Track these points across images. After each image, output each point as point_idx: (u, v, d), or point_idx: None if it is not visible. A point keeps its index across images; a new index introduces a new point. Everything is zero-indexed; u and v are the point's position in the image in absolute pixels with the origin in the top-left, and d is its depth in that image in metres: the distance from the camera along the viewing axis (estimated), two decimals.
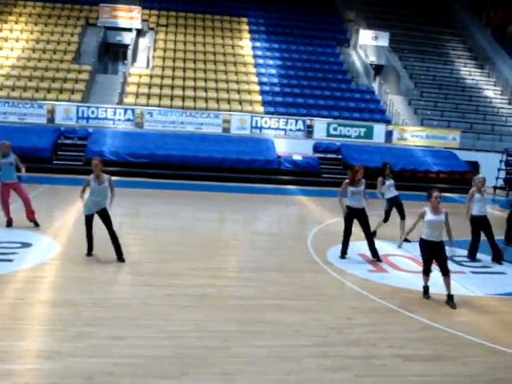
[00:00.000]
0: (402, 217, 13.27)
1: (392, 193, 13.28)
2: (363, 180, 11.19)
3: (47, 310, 7.50)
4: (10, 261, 9.57)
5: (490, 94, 35.03)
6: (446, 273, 8.62)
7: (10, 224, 12.23)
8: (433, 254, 8.76)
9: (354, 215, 11.09)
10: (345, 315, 7.80)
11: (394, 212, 13.34)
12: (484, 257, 11.68)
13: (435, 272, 9.11)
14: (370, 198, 11.40)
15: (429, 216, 8.71)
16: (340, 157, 26.12)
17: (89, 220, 10.06)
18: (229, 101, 28.85)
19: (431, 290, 8.87)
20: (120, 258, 9.94)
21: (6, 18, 32.41)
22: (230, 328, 7.07)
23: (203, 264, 10.11)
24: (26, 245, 10.69)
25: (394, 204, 13.32)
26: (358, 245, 11.56)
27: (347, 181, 11.14)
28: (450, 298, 8.53)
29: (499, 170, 25.67)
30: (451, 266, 10.84)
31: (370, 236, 11.19)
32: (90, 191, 10.05)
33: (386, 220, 13.29)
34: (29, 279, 8.73)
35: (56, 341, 6.44)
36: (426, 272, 8.82)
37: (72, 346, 6.28)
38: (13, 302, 7.72)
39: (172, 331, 6.85)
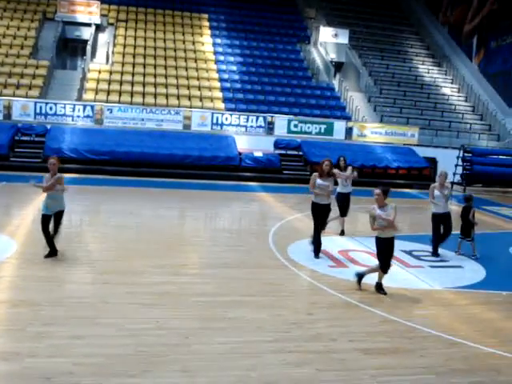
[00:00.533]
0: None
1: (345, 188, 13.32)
2: (332, 176, 10.98)
3: (4, 310, 7.35)
4: None
5: (447, 91, 35.68)
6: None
7: None
8: (387, 249, 8.78)
9: (320, 210, 10.92)
10: (305, 310, 7.87)
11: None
12: (442, 251, 11.89)
13: (394, 267, 9.22)
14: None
15: (377, 212, 8.66)
16: (301, 153, 26.27)
17: (46, 220, 9.74)
18: (189, 97, 28.72)
19: (392, 285, 9.00)
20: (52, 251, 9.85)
21: None
22: (191, 325, 7.05)
23: (164, 261, 10.06)
24: None
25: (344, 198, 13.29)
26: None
27: (316, 174, 10.86)
28: (379, 286, 8.89)
29: (456, 165, 26.20)
30: (410, 260, 11.07)
31: (320, 230, 11.12)
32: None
33: (342, 214, 13.32)
34: None
35: (14, 341, 6.33)
36: (386, 269, 8.83)
37: (31, 347, 6.18)
38: None
39: (133, 329, 6.80)
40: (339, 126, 28.10)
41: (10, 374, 5.59)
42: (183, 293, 8.32)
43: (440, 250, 11.81)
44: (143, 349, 6.27)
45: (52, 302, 7.58)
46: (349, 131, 28.30)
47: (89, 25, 32.70)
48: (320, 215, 10.92)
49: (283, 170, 25.15)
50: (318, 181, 10.77)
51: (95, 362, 5.89)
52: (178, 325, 7.04)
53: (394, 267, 10.34)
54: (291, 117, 27.83)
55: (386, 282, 9.00)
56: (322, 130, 27.69)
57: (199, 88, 29.60)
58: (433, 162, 27.48)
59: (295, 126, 27.37)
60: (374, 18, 39.70)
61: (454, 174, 25.83)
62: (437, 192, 11.66)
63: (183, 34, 34.06)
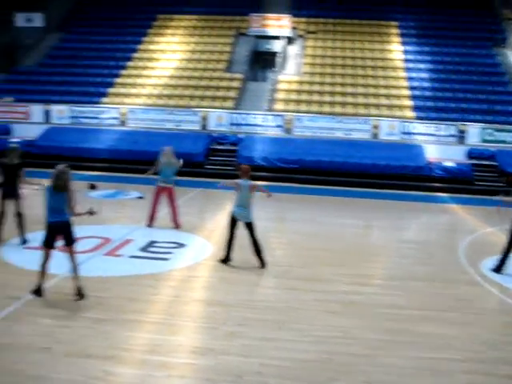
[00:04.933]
0: None
1: None
2: None
3: (200, 308, 7.86)
4: (166, 260, 10.17)
5: None
6: None
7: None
8: None
9: None
10: (499, 331, 7.40)
11: None
12: None
13: None
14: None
15: None
16: (495, 164, 24.77)
17: (234, 222, 10.12)
18: (378, 106, 28.44)
19: None
20: (261, 263, 9.99)
21: (164, 31, 34.35)
22: (377, 336, 6.97)
23: (349, 270, 10.05)
24: (180, 245, 11.27)
25: None
26: None
27: None
28: None
29: None
30: None
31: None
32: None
33: None
34: (183, 278, 9.21)
35: (209, 338, 6.73)
36: None
37: (224, 344, 6.53)
38: (169, 299, 8.19)
39: (319, 336, 6.88)
40: None
41: (205, 368, 5.97)
42: (370, 303, 8.25)
43: None
44: (329, 356, 6.32)
45: (243, 304, 7.93)
46: None
47: (279, 38, 33.78)
48: None
49: (475, 180, 23.90)
50: None
51: (282, 365, 6.06)
52: (363, 335, 6.99)
53: None
54: (485, 125, 26.38)
55: None
56: None
57: (388, 97, 29.20)
58: None
59: (489, 134, 25.89)
60: None
61: None
62: None
63: (371, 43, 33.84)
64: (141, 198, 16.60)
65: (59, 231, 7.91)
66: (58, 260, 9.02)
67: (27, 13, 34.14)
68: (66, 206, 7.86)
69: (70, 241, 7.94)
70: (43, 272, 7.89)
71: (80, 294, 7.83)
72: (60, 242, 8.03)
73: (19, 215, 10.76)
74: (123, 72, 30.48)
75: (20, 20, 34.09)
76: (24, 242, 10.72)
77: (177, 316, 7.47)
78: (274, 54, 33.30)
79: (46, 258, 7.89)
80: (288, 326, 7.21)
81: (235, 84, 29.75)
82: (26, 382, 5.58)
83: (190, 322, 7.31)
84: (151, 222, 12.80)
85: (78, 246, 8.27)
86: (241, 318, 7.40)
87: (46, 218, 7.99)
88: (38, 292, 7.90)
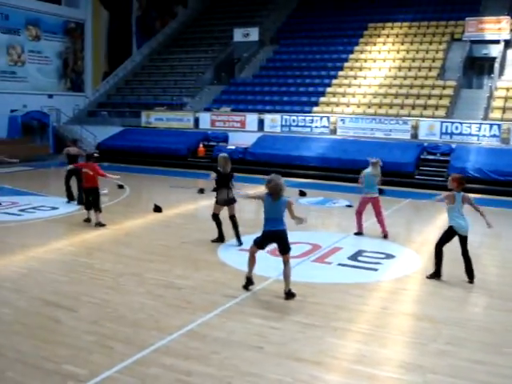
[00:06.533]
0: None
1: None
2: None
3: (409, 322, 7.73)
4: (375, 270, 10.15)
5: None
6: None
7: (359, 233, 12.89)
8: None
9: None
10: None
11: None
12: None
13: None
14: None
15: None
16: None
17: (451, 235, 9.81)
18: None
19: None
20: (470, 278, 9.53)
21: (375, 40, 34.23)
22: None
23: None
24: (389, 256, 11.15)
25: None
26: None
27: None
28: None
29: None
30: None
31: None
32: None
33: None
34: (392, 290, 9.13)
35: (417, 354, 6.60)
36: None
37: (432, 362, 6.36)
38: (376, 310, 8.18)
39: None
40: None
41: None
42: None
43: None
44: None
45: (454, 322, 7.63)
46: None
47: (497, 42, 31.91)
48: None
49: None
50: None
51: None
52: None
53: None
54: None
55: None
56: None
57: None
58: None
59: None
60: None
61: None
62: None
63: None
64: (349, 206, 16.70)
65: (273, 239, 8.47)
66: (271, 263, 9.51)
67: (244, 28, 36.28)
68: (282, 215, 8.34)
69: (285, 249, 8.42)
70: (251, 267, 8.67)
71: (289, 297, 8.31)
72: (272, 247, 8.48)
73: (232, 218, 11.55)
74: (334, 81, 31.01)
75: (238, 35, 36.32)
76: (240, 243, 11.44)
77: (384, 328, 7.43)
78: (490, 59, 31.54)
79: (253, 254, 8.64)
80: (504, 350, 6.78)
81: (448, 92, 28.71)
82: (240, 378, 5.93)
83: (398, 336, 7.22)
84: (359, 230, 12.87)
85: None
86: (452, 336, 7.14)
87: (263, 226, 8.51)
88: (247, 283, 8.70)
